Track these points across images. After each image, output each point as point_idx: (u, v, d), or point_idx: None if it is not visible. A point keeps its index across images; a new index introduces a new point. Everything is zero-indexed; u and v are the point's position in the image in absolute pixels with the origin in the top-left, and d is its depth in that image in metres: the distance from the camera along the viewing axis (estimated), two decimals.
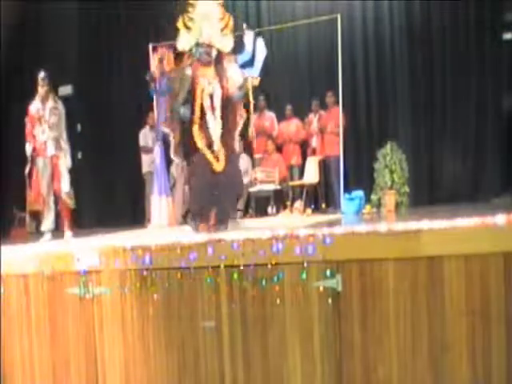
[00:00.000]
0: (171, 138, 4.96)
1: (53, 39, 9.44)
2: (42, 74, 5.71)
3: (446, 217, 3.52)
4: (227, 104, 4.76)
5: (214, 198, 4.67)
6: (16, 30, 9.23)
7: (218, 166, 4.60)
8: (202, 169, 4.61)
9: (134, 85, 9.12)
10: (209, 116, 4.64)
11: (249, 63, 5.17)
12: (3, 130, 9.23)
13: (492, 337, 3.16)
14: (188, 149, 4.75)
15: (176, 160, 5.18)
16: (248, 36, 5.16)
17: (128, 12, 9.42)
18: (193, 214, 4.76)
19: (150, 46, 7.25)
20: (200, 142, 4.60)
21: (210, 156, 4.60)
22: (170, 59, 6.85)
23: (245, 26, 5.28)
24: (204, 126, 4.64)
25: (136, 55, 8.40)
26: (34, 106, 5.73)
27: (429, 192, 8.07)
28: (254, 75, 5.20)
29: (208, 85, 4.67)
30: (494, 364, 3.16)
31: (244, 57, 5.11)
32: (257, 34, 5.27)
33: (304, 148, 8.51)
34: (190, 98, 4.68)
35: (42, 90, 5.71)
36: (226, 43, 4.82)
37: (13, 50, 9.20)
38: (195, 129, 4.62)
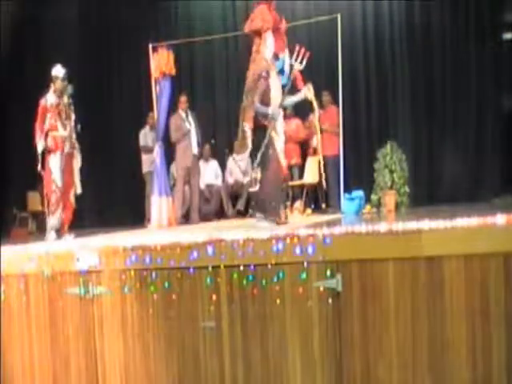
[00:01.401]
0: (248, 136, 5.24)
1: (53, 39, 9.44)
2: (64, 70, 5.68)
3: (446, 217, 3.52)
4: None
5: (283, 193, 5.22)
6: (16, 29, 9.22)
7: (284, 163, 5.15)
8: (277, 165, 5.01)
9: (135, 85, 9.14)
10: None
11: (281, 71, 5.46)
12: (3, 129, 9.23)
13: (492, 336, 3.16)
14: (265, 146, 5.01)
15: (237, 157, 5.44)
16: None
17: (128, 12, 9.42)
18: (272, 209, 4.96)
19: (150, 46, 7.25)
20: (276, 140, 5.02)
21: (281, 154, 5.04)
22: (170, 60, 6.87)
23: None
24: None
25: (136, 55, 8.41)
26: (50, 100, 5.60)
27: (429, 192, 8.07)
28: (284, 82, 5.50)
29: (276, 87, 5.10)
30: (494, 364, 3.16)
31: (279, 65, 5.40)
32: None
33: (304, 148, 8.51)
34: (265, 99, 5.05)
35: (61, 84, 5.63)
36: None
37: (13, 49, 9.20)
38: (271, 127, 4.99)
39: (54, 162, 5.53)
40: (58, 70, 5.69)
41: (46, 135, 5.56)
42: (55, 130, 5.59)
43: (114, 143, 9.61)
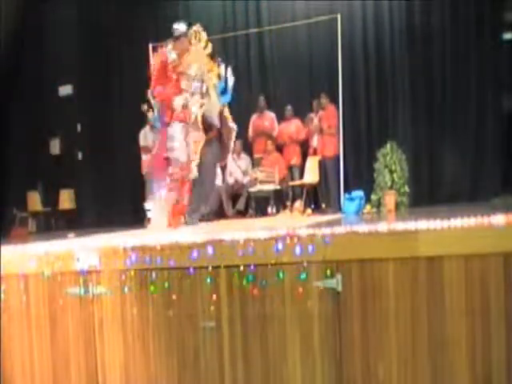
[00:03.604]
0: None
1: (53, 39, 9.44)
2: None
3: (446, 217, 3.52)
4: None
5: None
6: (17, 30, 9.22)
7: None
8: None
9: (135, 85, 9.14)
10: None
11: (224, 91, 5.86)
12: (3, 129, 9.23)
13: (492, 337, 3.16)
14: None
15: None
16: (222, 67, 5.87)
17: (128, 11, 9.42)
18: None
19: (150, 46, 7.25)
20: None
21: None
22: None
23: (219, 59, 5.88)
24: None
25: (136, 55, 8.42)
26: (171, 56, 4.61)
27: (429, 192, 8.07)
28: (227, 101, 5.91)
29: None
30: (494, 364, 3.16)
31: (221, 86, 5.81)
32: (226, 64, 5.92)
33: (304, 148, 8.52)
34: None
35: (186, 43, 4.68)
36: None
37: (12, 50, 9.20)
38: None
39: (178, 133, 4.62)
40: (183, 27, 4.77)
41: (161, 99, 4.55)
42: (178, 94, 4.56)
43: (114, 143, 9.61)
